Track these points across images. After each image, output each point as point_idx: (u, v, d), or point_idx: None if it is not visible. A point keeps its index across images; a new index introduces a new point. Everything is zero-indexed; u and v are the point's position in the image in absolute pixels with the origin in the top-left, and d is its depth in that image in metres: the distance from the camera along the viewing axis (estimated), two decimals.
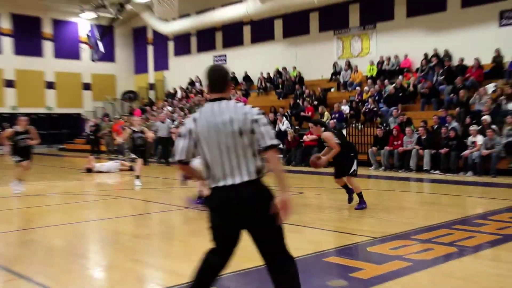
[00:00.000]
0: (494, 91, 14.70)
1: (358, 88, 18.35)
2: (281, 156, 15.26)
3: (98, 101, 28.74)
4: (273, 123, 17.28)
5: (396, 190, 11.02)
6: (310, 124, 8.35)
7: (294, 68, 21.75)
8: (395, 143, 14.18)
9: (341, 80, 19.92)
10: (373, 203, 8.04)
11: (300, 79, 20.99)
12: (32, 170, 11.75)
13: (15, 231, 7.23)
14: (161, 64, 29.15)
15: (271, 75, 22.46)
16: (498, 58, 15.82)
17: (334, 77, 20.46)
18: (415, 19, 18.57)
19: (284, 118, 17.48)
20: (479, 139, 12.59)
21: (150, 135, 12.41)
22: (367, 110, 16.44)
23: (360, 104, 17.17)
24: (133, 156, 12.02)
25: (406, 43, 18.57)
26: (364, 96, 17.59)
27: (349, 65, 19.90)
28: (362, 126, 16.06)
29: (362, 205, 7.96)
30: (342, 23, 20.68)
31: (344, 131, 15.51)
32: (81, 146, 25.12)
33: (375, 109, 16.31)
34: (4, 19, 26.52)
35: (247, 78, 23.40)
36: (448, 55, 17.32)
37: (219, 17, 23.11)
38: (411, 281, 4.43)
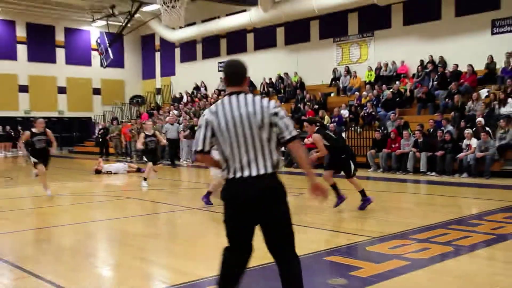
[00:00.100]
0: (487, 96, 14.93)
1: (357, 93, 18.59)
2: (283, 158, 15.29)
3: (107, 105, 29.03)
4: None
5: (394, 191, 11.10)
6: (305, 123, 8.25)
7: (296, 73, 21.96)
8: (393, 146, 14.36)
9: (341, 85, 20.09)
10: (372, 204, 8.03)
11: (301, 84, 21.25)
12: None
13: (27, 230, 7.23)
14: (168, 70, 29.38)
15: (274, 81, 22.64)
16: (491, 65, 16.02)
17: (334, 82, 20.68)
18: (411, 27, 18.76)
19: None
20: (474, 142, 12.77)
21: (163, 139, 12.42)
22: (365, 114, 16.68)
23: (359, 108, 17.39)
24: (144, 159, 12.09)
25: (403, 50, 18.75)
26: (363, 100, 17.79)
27: (348, 71, 20.10)
28: (361, 129, 16.22)
29: (365, 203, 7.89)
30: (341, 31, 20.91)
31: (343, 135, 15.76)
32: (91, 149, 25.39)
33: (373, 113, 16.56)
34: (20, 28, 27.07)
35: (250, 83, 23.72)
36: (443, 62, 17.41)
37: (224, 25, 23.27)
38: (409, 279, 4.48)
